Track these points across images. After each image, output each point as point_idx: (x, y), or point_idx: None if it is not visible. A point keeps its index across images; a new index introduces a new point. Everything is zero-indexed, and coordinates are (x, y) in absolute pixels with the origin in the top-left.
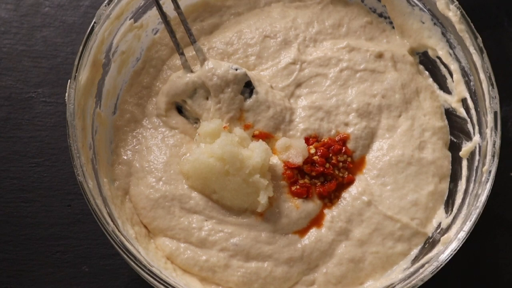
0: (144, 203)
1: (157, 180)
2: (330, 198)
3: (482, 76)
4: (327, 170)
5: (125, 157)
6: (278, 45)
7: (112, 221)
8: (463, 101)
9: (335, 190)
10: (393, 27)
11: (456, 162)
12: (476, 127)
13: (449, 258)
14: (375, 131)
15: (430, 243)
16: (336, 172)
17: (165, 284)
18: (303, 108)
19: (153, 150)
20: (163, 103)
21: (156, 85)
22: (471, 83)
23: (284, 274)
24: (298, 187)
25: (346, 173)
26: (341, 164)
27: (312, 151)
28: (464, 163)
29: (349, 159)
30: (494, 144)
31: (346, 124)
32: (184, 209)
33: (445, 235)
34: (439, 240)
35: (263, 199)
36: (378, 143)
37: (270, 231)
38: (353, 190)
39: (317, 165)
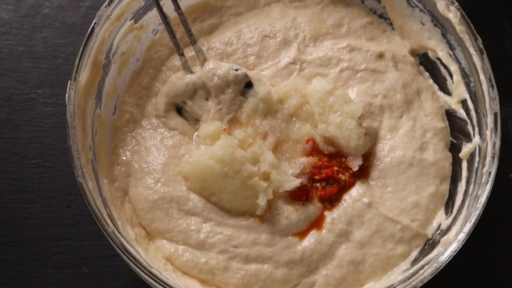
0: (142, 205)
1: (156, 181)
2: (331, 200)
3: (482, 77)
4: (331, 174)
5: (124, 158)
6: (278, 44)
7: (112, 222)
8: (463, 102)
9: (336, 193)
10: (393, 28)
11: (456, 163)
12: (476, 129)
13: (449, 260)
14: (377, 131)
15: (430, 245)
16: (340, 175)
17: (165, 286)
18: None
19: (151, 151)
20: (162, 104)
21: (155, 85)
22: (471, 84)
23: (284, 276)
24: (297, 189)
25: (348, 176)
26: (343, 165)
27: None
28: (464, 165)
29: None
30: (494, 146)
31: None
32: (182, 211)
33: (445, 237)
34: (439, 242)
35: (262, 201)
36: (380, 145)
37: (269, 233)
38: (353, 192)
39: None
